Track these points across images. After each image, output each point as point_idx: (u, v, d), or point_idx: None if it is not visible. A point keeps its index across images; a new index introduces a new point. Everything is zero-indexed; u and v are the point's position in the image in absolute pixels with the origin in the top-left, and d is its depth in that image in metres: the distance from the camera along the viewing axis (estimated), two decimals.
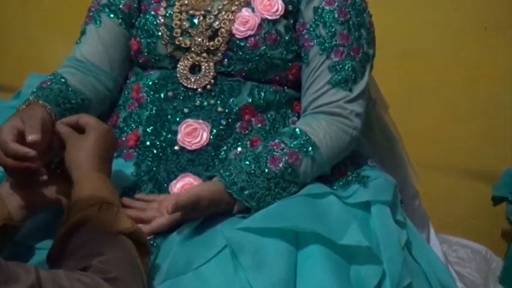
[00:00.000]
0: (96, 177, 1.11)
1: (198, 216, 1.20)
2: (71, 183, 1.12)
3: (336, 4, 1.33)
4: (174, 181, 1.30)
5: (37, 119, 1.14)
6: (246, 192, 1.23)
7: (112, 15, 1.40)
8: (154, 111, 1.34)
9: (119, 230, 1.04)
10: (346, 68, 1.33)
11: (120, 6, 1.40)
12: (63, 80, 1.37)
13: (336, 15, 1.33)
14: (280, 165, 1.25)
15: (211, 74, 1.33)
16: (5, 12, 2.54)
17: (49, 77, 1.38)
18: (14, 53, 2.51)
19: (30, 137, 1.11)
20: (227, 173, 1.24)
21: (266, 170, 1.25)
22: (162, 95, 1.35)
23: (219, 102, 1.33)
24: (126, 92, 1.41)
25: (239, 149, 1.32)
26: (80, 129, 1.18)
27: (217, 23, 1.33)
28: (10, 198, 1.14)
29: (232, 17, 1.33)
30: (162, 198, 1.25)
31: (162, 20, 1.35)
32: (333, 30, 1.33)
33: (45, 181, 1.15)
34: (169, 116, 1.33)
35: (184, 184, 1.29)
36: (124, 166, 1.33)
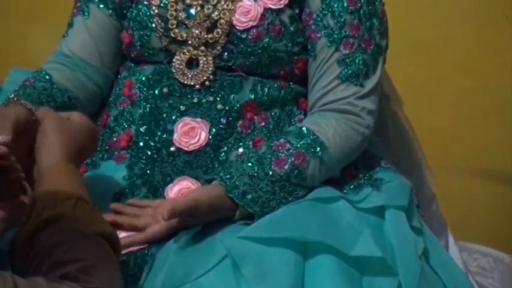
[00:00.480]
0: (70, 169, 1.09)
1: (197, 223, 1.20)
2: None
3: None
4: (171, 185, 1.29)
5: (9, 119, 1.14)
6: (249, 196, 1.23)
7: (102, 6, 1.39)
8: (148, 109, 1.34)
9: (97, 231, 1.02)
10: (357, 61, 1.33)
11: None
12: (47, 77, 1.37)
13: (346, 4, 1.32)
14: (286, 167, 1.25)
15: (210, 69, 1.33)
16: None
17: (32, 74, 1.38)
18: None
19: (0, 138, 1.11)
20: (228, 176, 1.24)
21: (270, 173, 1.25)
22: (156, 92, 1.34)
23: (218, 99, 1.33)
24: (117, 89, 1.40)
25: (240, 149, 1.32)
26: None
27: (216, 13, 1.33)
28: None
29: (233, 7, 1.33)
30: (158, 204, 1.25)
31: (156, 11, 1.35)
32: (342, 20, 1.33)
33: (22, 179, 1.14)
34: (164, 115, 1.33)
35: (181, 188, 1.28)
36: (115, 169, 1.32)
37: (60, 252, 0.97)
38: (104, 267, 0.98)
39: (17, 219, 1.16)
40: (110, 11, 1.39)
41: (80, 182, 1.10)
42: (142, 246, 1.21)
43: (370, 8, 1.35)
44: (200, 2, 1.34)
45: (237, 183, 1.23)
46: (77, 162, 1.14)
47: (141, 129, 1.34)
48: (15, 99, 1.27)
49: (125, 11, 1.40)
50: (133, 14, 1.37)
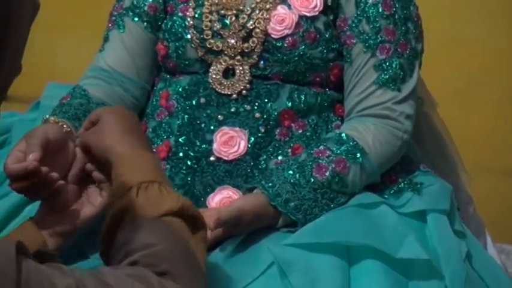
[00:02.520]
0: (129, 156, 1.10)
1: (241, 232, 1.23)
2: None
3: None
4: (212, 194, 1.32)
5: (37, 138, 1.19)
6: (292, 204, 1.25)
7: (136, 19, 1.42)
8: (186, 120, 1.37)
9: (163, 213, 1.03)
10: (394, 65, 1.35)
11: (145, 9, 1.41)
12: (83, 92, 1.40)
13: (381, 9, 1.34)
14: (327, 173, 1.28)
15: (247, 78, 1.36)
16: None
17: (69, 91, 1.41)
18: None
19: (30, 156, 1.15)
20: (270, 184, 1.26)
21: (312, 180, 1.27)
22: (193, 102, 1.37)
23: (255, 107, 1.35)
24: (154, 100, 1.43)
25: (280, 157, 1.34)
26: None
27: (251, 22, 1.35)
28: (43, 224, 1.18)
29: (267, 16, 1.35)
30: (201, 213, 1.28)
31: (191, 22, 1.37)
32: (377, 25, 1.35)
33: (63, 187, 1.17)
34: (202, 125, 1.36)
35: (222, 198, 1.31)
36: None
37: (129, 243, 0.98)
38: (172, 247, 0.97)
39: (69, 232, 1.20)
40: (145, 23, 1.42)
41: (142, 164, 1.08)
42: None
43: (405, 12, 1.36)
44: (235, 11, 1.36)
45: (280, 191, 1.25)
46: (140, 142, 1.14)
47: (180, 139, 1.37)
48: (51, 118, 1.31)
49: (160, 23, 1.42)
50: (168, 26, 1.40)
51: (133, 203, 1.04)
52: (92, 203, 1.21)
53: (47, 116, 1.34)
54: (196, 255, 1.00)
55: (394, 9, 1.36)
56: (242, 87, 1.36)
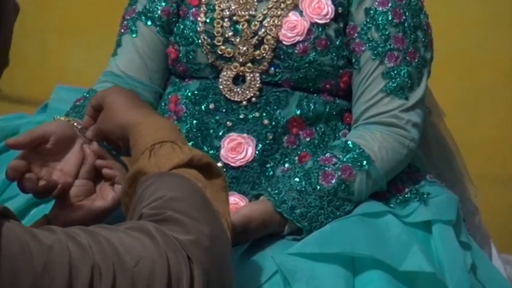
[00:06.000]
0: (142, 124, 1.10)
1: (248, 239, 1.23)
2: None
3: (390, 5, 1.34)
4: None
5: (33, 131, 1.20)
6: (298, 211, 1.25)
7: (149, 23, 1.41)
8: (194, 125, 1.36)
9: (173, 166, 1.02)
10: (402, 74, 1.35)
11: (158, 13, 1.41)
12: None
13: (390, 17, 1.34)
14: (333, 181, 1.27)
15: (257, 85, 1.35)
16: (20, 18, 2.59)
17: (83, 94, 1.41)
18: (30, 63, 2.56)
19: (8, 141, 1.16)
20: (276, 191, 1.26)
21: (318, 187, 1.27)
22: (202, 108, 1.37)
23: (264, 114, 1.35)
24: (163, 104, 1.42)
25: (287, 165, 1.34)
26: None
27: (262, 30, 1.35)
28: (55, 220, 1.18)
29: (279, 23, 1.34)
30: None
31: (203, 27, 1.37)
32: (386, 33, 1.34)
33: (67, 185, 1.18)
34: (211, 130, 1.35)
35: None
36: None
37: (139, 203, 0.98)
38: (181, 194, 0.96)
39: (84, 223, 1.19)
40: (158, 28, 1.42)
41: (154, 128, 1.09)
42: None
43: (414, 20, 1.36)
44: (247, 17, 1.36)
45: (285, 198, 1.25)
46: (148, 111, 1.15)
47: (188, 144, 1.37)
48: (62, 117, 1.31)
49: (172, 27, 1.42)
50: (180, 30, 1.39)
51: (146, 165, 1.04)
52: (104, 197, 1.21)
53: (58, 117, 1.33)
54: (213, 202, 0.98)
55: (404, 17, 1.35)
56: (252, 95, 1.36)
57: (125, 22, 1.44)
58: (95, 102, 1.20)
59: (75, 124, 1.29)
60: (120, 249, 0.88)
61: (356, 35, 1.36)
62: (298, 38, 1.34)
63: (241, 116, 1.36)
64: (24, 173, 1.17)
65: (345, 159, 1.30)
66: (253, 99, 1.36)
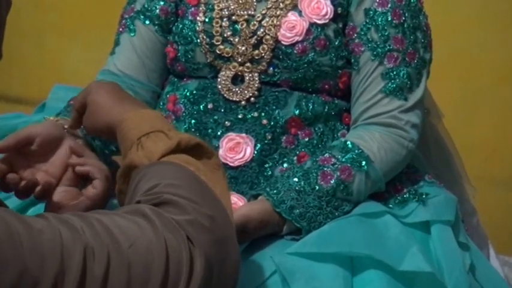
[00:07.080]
0: (128, 119, 1.09)
1: (246, 239, 1.23)
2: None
3: (389, 5, 1.34)
4: None
5: (17, 134, 1.19)
6: (296, 211, 1.25)
7: (148, 22, 1.41)
8: (192, 125, 1.36)
9: (161, 154, 1.01)
10: (401, 75, 1.35)
11: (157, 12, 1.41)
12: None
13: (390, 18, 1.34)
14: (332, 181, 1.27)
15: (256, 85, 1.35)
16: (17, 17, 2.58)
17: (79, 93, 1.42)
18: (27, 62, 2.55)
19: None
20: (274, 191, 1.26)
21: (317, 187, 1.27)
22: (201, 107, 1.37)
23: (263, 114, 1.35)
24: (161, 103, 1.42)
25: (285, 165, 1.34)
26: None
27: (261, 30, 1.35)
28: None
29: (278, 23, 1.34)
30: None
31: (201, 27, 1.37)
32: (386, 34, 1.34)
33: (49, 185, 1.16)
34: (209, 130, 1.35)
35: None
36: None
37: (133, 198, 0.97)
38: (174, 181, 0.95)
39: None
40: (156, 27, 1.42)
41: (140, 120, 1.07)
42: None
43: (414, 21, 1.36)
44: (246, 17, 1.36)
45: (284, 198, 1.25)
46: (133, 105, 1.13)
47: None
48: (54, 117, 1.30)
49: (171, 26, 1.42)
50: (179, 29, 1.39)
51: (136, 159, 1.03)
52: (87, 196, 1.19)
53: (48, 117, 1.33)
54: (209, 183, 0.96)
55: (404, 18, 1.35)
56: (251, 94, 1.36)
57: (123, 21, 1.44)
58: (79, 104, 1.18)
59: (59, 122, 1.28)
60: (115, 231, 0.87)
61: (355, 35, 1.36)
62: (297, 38, 1.34)
63: (239, 116, 1.36)
64: (5, 174, 1.15)
65: (344, 160, 1.30)
66: (252, 99, 1.36)
